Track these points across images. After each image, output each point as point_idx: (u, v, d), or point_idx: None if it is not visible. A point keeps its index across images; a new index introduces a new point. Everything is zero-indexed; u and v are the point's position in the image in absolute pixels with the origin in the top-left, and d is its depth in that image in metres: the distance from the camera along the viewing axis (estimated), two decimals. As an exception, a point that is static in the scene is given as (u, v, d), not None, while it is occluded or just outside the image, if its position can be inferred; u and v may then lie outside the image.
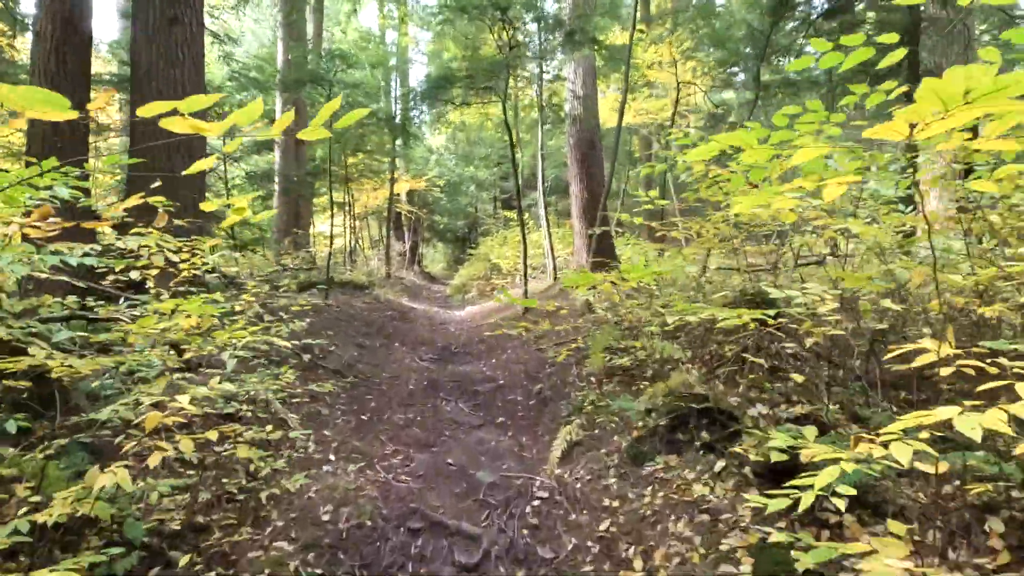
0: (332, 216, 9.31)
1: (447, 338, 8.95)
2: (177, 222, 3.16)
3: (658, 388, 3.67)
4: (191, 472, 2.98)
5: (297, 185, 13.78)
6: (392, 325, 9.07)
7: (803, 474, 1.52)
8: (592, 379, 4.62)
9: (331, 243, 8.86)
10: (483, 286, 15.33)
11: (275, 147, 13.86)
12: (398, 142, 20.26)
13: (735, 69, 14.58)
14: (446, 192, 25.67)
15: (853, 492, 1.64)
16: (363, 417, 4.42)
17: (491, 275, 15.82)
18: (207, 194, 16.61)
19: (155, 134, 5.15)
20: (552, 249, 11.74)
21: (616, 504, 2.88)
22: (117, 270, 3.26)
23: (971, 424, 1.26)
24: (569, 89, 10.17)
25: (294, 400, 4.22)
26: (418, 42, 19.51)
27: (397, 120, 11.51)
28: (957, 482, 2.25)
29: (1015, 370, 1.77)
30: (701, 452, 2.86)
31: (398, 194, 23.44)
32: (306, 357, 5.37)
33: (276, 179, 13.80)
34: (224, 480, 3.00)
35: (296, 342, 5.46)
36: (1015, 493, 2.13)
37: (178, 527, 2.59)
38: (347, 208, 18.54)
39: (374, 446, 3.90)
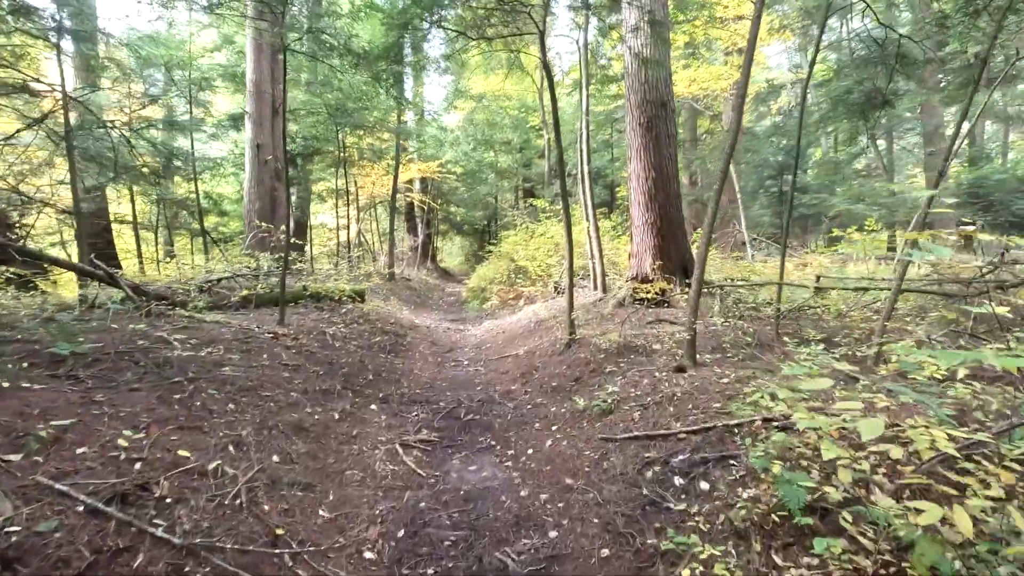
0: (289, 209, 6.44)
1: (455, 385, 6.02)
2: None
3: None
4: None
5: (273, 165, 10.94)
6: (374, 364, 6.16)
7: None
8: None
9: (287, 241, 5.99)
10: (505, 293, 12.31)
11: (246, 118, 11.02)
12: (404, 118, 17.31)
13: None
14: (463, 180, 22.74)
15: None
16: None
17: (515, 279, 12.78)
18: (173, 179, 13.83)
19: None
20: (600, 250, 8.71)
21: None
22: None
23: None
24: (636, 6, 7.00)
25: None
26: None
27: (406, 59, 8.47)
28: None
29: None
30: None
31: (410, 181, 20.52)
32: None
33: (246, 158, 10.97)
34: None
35: (122, 479, 2.57)
36: None
37: None
38: (344, 196, 15.67)
39: None
